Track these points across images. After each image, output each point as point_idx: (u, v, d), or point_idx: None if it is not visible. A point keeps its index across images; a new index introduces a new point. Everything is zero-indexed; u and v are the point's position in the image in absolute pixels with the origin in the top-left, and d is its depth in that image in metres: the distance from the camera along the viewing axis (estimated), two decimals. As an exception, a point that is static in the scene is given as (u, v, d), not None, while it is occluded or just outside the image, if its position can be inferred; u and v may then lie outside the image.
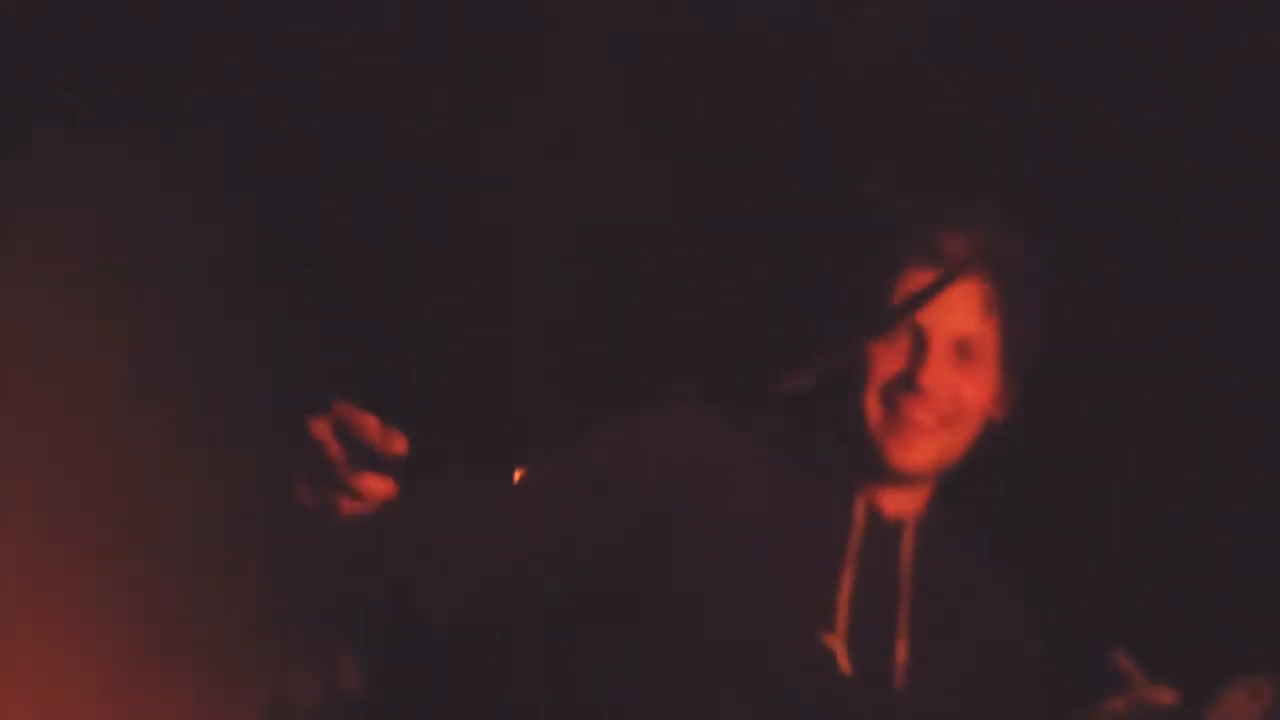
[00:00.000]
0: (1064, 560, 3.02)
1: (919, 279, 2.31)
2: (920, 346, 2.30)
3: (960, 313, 2.31)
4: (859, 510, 2.35)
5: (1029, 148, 3.19)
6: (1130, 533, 3.09)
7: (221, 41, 3.36)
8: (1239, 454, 3.06)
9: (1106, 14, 3.14)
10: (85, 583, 3.40)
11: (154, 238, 3.50)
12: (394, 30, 3.38)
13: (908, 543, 2.36)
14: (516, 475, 2.34)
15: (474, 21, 3.37)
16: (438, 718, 2.87)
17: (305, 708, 3.16)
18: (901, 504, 2.36)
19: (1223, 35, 3.09)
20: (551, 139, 3.37)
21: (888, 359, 2.31)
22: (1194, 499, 3.09)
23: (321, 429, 2.05)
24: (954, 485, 2.40)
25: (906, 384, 2.30)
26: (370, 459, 2.05)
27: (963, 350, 2.31)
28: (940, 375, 2.30)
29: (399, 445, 2.05)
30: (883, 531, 2.35)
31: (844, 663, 2.29)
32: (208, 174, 3.45)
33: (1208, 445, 3.09)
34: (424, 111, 3.39)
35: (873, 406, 2.31)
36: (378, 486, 2.07)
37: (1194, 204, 3.14)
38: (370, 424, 2.04)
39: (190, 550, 3.38)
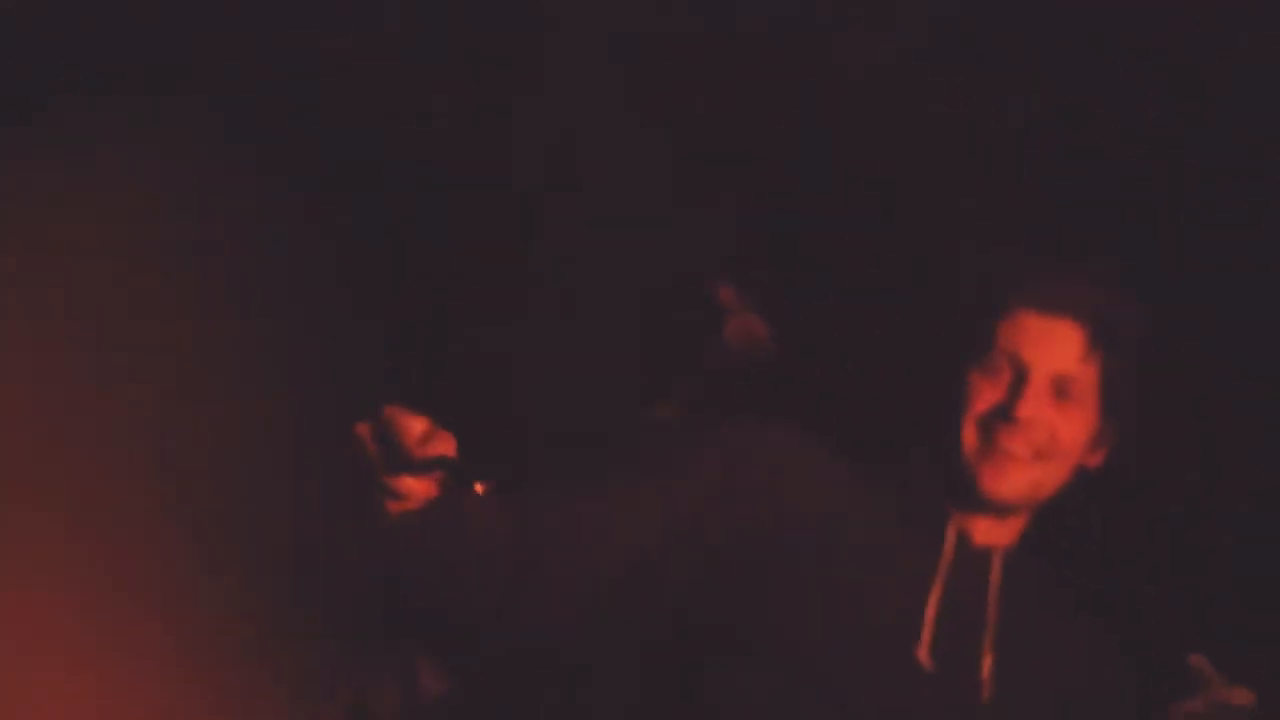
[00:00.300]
0: (1149, 592, 3.03)
1: (1023, 323, 2.38)
2: (1020, 380, 2.37)
3: (1062, 352, 2.38)
4: (950, 535, 2.41)
5: (1029, 148, 3.20)
6: (1214, 561, 3.10)
7: (221, 41, 3.36)
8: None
9: (1106, 14, 3.14)
10: (134, 582, 3.39)
11: (152, 238, 3.50)
12: (394, 30, 3.38)
13: (996, 571, 2.43)
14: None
15: (474, 21, 3.37)
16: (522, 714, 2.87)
17: (384, 714, 3.15)
18: (992, 533, 2.43)
19: (1223, 35, 3.10)
20: (551, 139, 3.37)
21: (988, 390, 2.39)
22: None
23: (363, 431, 2.10)
24: (1047, 523, 2.46)
25: (1004, 415, 2.37)
26: (410, 461, 2.08)
27: (1061, 389, 2.39)
28: (1037, 409, 2.37)
29: (444, 447, 2.09)
30: (972, 558, 2.42)
31: (928, 676, 2.35)
32: (207, 174, 3.44)
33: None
34: (424, 111, 3.39)
35: (969, 435, 2.38)
36: (416, 487, 2.12)
37: (1194, 204, 3.14)
38: (415, 426, 2.09)
39: (258, 554, 3.37)
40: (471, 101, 3.39)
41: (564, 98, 3.36)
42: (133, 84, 3.36)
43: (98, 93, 3.35)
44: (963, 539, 2.42)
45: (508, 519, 2.26)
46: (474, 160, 3.39)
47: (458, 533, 2.19)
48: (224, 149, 3.41)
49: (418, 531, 2.15)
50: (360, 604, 2.36)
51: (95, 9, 3.33)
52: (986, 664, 2.38)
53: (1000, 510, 2.41)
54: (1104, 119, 3.17)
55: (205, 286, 3.47)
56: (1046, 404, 2.37)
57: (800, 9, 3.27)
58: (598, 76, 3.34)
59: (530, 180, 3.38)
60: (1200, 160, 3.13)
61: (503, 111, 3.38)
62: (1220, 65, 3.10)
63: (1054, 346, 2.38)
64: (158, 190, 3.47)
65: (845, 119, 3.28)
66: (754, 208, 3.34)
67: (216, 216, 3.48)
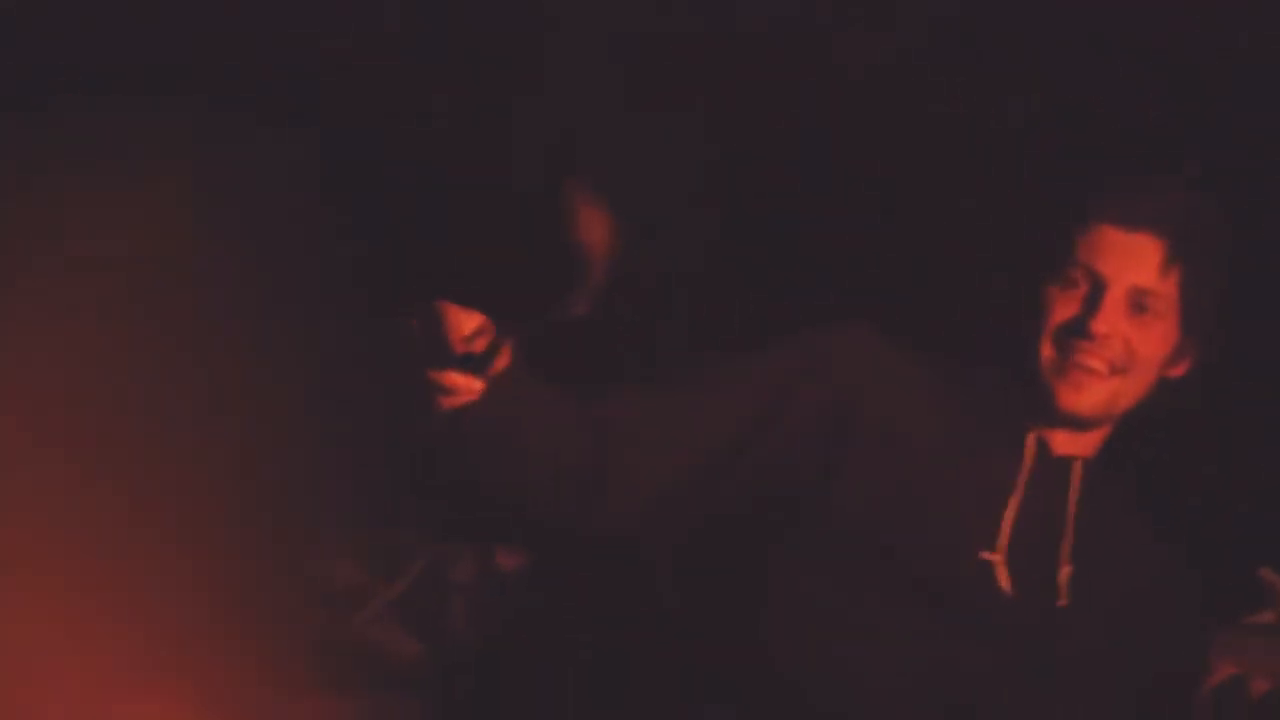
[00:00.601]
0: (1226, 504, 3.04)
1: (1102, 236, 2.37)
2: (1097, 294, 2.38)
3: (1140, 266, 2.39)
4: (1030, 444, 2.42)
5: (1029, 148, 3.20)
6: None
7: (221, 41, 3.36)
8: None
9: (1106, 14, 3.15)
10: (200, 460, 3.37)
11: (151, 237, 3.50)
12: (394, 30, 3.38)
13: (1075, 481, 2.43)
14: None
15: (474, 21, 3.37)
16: (597, 596, 2.89)
17: (459, 587, 3.17)
18: (1072, 444, 2.44)
19: (1223, 35, 3.10)
20: (551, 139, 3.37)
21: (1065, 304, 2.39)
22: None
23: (413, 325, 2.18)
24: (1130, 432, 2.46)
25: (1080, 329, 2.38)
26: (456, 356, 2.10)
27: (1139, 302, 2.39)
28: (1114, 324, 2.37)
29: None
30: (1051, 468, 2.43)
31: (1003, 581, 2.36)
32: (207, 174, 3.44)
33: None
34: (424, 111, 3.39)
35: (1046, 349, 2.39)
36: (462, 382, 2.17)
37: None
38: (466, 322, 2.16)
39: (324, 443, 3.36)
40: (471, 101, 3.39)
41: (564, 98, 3.35)
42: (133, 84, 3.36)
43: (98, 93, 3.35)
44: (1043, 448, 2.42)
45: (585, 413, 2.30)
46: (474, 160, 3.39)
47: (531, 427, 2.24)
48: (224, 149, 3.41)
49: (484, 425, 2.19)
50: (433, 494, 2.40)
51: (95, 9, 3.33)
52: (1064, 574, 2.39)
53: (1078, 424, 2.41)
54: (1104, 119, 3.18)
55: (205, 287, 3.47)
56: (1123, 318, 2.37)
57: (800, 9, 3.28)
58: (598, 76, 3.34)
59: (530, 180, 3.38)
60: (1200, 160, 3.13)
61: (503, 111, 3.38)
62: (1220, 65, 3.11)
63: (1132, 260, 2.38)
64: (157, 190, 3.47)
65: (845, 119, 3.28)
66: (754, 208, 3.34)
67: (216, 216, 3.48)
